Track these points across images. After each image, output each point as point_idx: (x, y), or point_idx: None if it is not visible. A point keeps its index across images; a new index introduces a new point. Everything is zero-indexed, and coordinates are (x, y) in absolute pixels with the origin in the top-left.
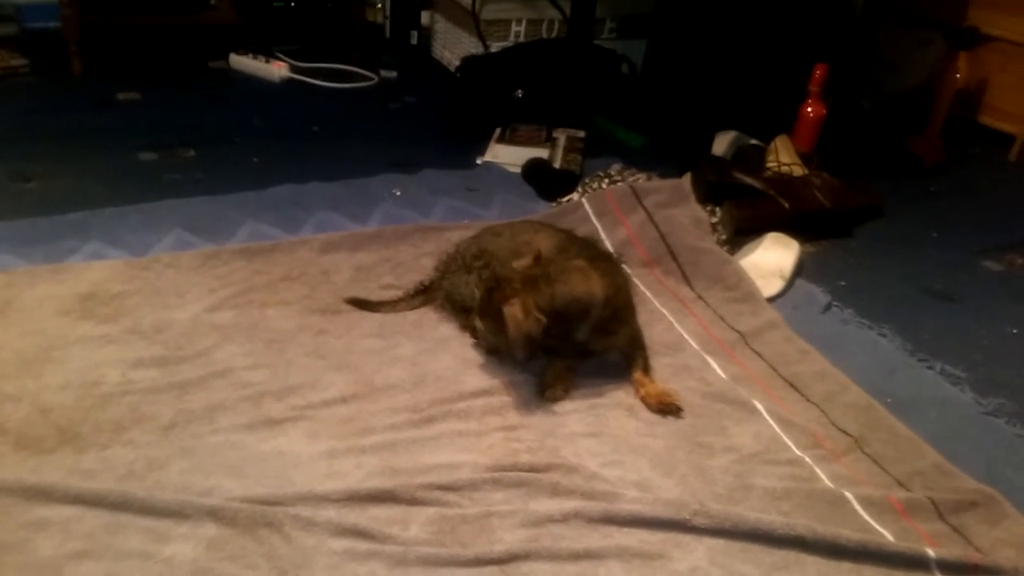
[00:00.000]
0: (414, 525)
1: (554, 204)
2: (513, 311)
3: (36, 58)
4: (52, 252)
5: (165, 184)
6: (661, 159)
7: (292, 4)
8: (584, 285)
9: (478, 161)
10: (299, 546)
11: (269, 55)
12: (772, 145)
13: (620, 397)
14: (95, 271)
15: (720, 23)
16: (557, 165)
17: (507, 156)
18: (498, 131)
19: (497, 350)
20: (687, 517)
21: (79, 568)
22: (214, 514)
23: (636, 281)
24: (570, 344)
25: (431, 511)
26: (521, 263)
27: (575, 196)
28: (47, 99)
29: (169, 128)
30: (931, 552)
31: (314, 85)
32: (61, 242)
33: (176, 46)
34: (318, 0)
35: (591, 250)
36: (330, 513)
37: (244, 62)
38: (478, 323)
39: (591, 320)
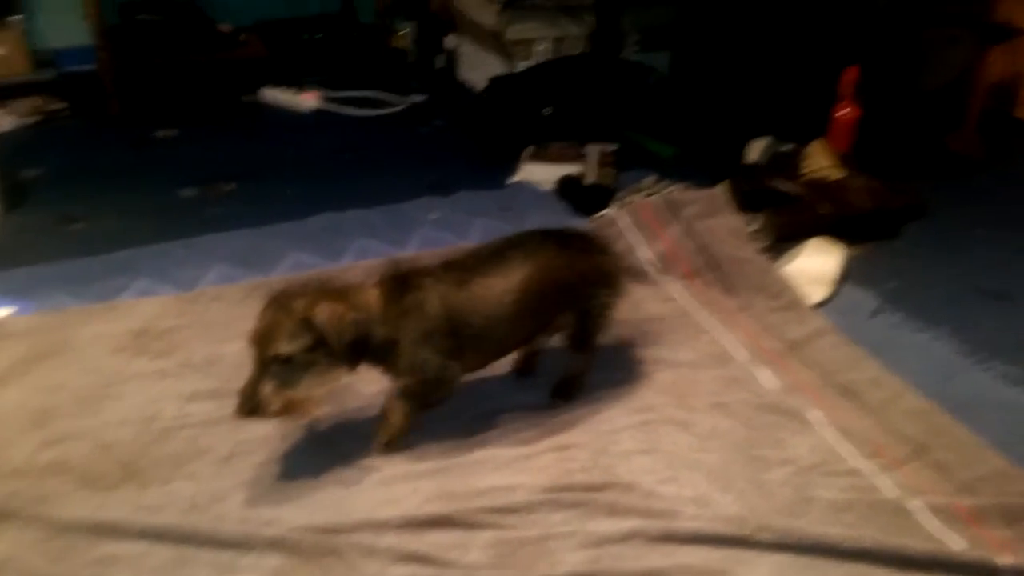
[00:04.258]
0: (474, 549)
1: (590, 220)
2: (324, 309)
3: (75, 101)
4: (103, 290)
5: (207, 219)
6: (693, 169)
7: (319, 36)
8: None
9: (510, 181)
10: (362, 573)
11: (299, 86)
12: (808, 150)
13: (671, 412)
14: (146, 307)
15: (747, 29)
16: (590, 180)
17: (539, 174)
18: (529, 149)
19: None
20: (749, 533)
21: None
22: (277, 544)
23: (678, 293)
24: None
25: (489, 534)
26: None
27: (610, 211)
28: (88, 141)
29: (207, 164)
30: (1002, 560)
31: (345, 113)
32: (111, 280)
33: (209, 83)
34: (345, 30)
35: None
36: (390, 539)
37: (275, 95)
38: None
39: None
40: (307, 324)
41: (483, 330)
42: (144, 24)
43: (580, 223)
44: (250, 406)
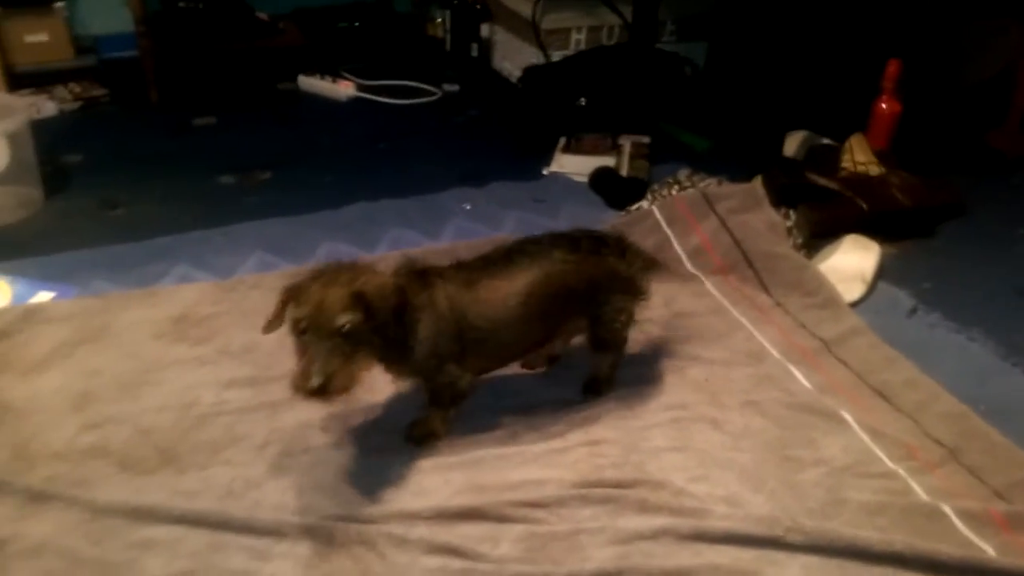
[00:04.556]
0: (504, 542)
1: (623, 213)
2: (370, 283)
3: (114, 87)
4: (143, 276)
5: (244, 207)
6: (728, 162)
7: (356, 24)
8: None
9: (544, 172)
10: (393, 564)
11: (335, 75)
12: (847, 144)
13: (703, 410)
14: (185, 294)
15: (787, 20)
16: (624, 173)
17: (573, 166)
18: (563, 141)
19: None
20: (780, 534)
21: None
22: (311, 532)
23: (712, 289)
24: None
25: (520, 528)
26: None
27: (644, 203)
28: (127, 127)
29: (245, 151)
30: None
31: (379, 102)
32: (151, 266)
33: (247, 71)
34: (381, 19)
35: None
36: (421, 531)
37: (312, 83)
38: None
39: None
40: (359, 297)
41: (487, 334)
42: (184, 11)
43: (613, 215)
44: (317, 383)
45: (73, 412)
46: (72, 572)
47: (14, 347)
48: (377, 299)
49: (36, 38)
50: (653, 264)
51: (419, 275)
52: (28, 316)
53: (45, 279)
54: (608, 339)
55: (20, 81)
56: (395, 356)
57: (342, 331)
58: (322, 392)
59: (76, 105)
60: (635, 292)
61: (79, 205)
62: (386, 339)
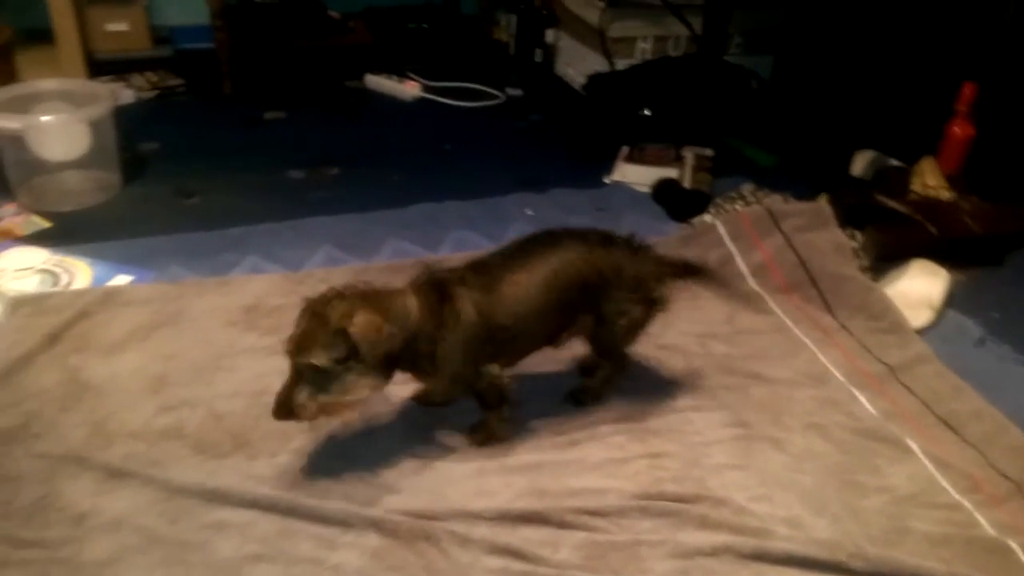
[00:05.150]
0: (564, 548)
1: (685, 225)
2: (360, 321)
3: (190, 78)
4: (216, 265)
5: (312, 201)
6: (793, 179)
7: (423, 25)
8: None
9: (606, 180)
10: (456, 561)
11: (402, 75)
12: (917, 167)
13: (765, 429)
14: (256, 284)
15: (858, 36)
16: (686, 185)
17: (635, 176)
18: (625, 150)
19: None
20: (843, 559)
21: (255, 570)
22: (377, 525)
23: (775, 307)
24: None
25: (580, 535)
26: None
27: (707, 217)
28: (202, 118)
29: (313, 147)
30: None
31: (444, 104)
32: (223, 255)
33: (317, 67)
34: (448, 20)
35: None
36: (484, 531)
37: (379, 82)
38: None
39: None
40: (342, 335)
41: (515, 331)
42: (260, 7)
43: (675, 227)
44: (286, 410)
45: (150, 393)
46: (148, 548)
47: (94, 327)
48: (364, 342)
49: (116, 27)
50: (676, 271)
51: (439, 287)
52: (108, 298)
53: (124, 262)
54: (605, 340)
55: (99, 68)
56: (429, 369)
57: (313, 368)
58: (288, 419)
59: (152, 94)
60: (643, 295)
61: (156, 192)
62: (415, 356)
